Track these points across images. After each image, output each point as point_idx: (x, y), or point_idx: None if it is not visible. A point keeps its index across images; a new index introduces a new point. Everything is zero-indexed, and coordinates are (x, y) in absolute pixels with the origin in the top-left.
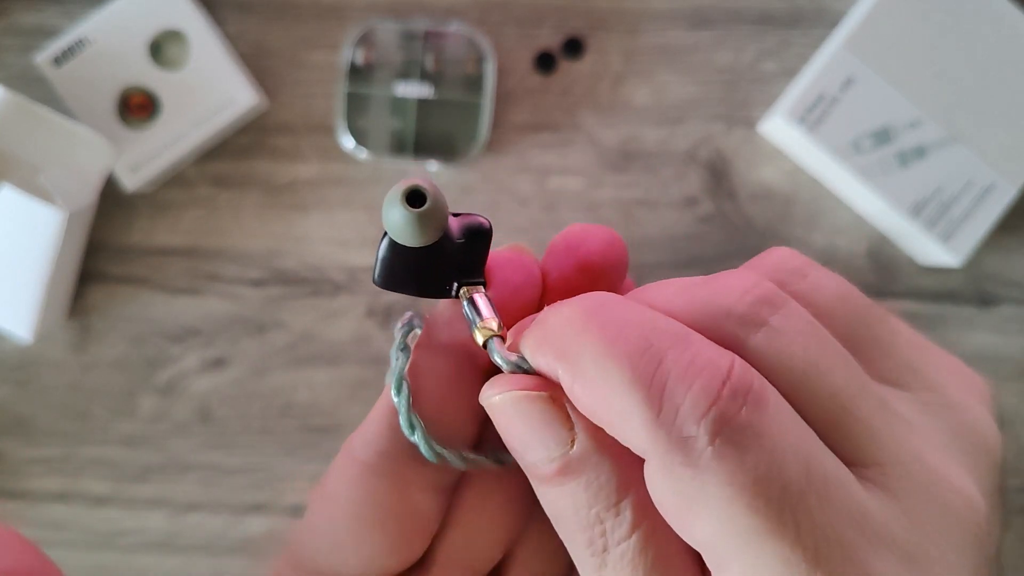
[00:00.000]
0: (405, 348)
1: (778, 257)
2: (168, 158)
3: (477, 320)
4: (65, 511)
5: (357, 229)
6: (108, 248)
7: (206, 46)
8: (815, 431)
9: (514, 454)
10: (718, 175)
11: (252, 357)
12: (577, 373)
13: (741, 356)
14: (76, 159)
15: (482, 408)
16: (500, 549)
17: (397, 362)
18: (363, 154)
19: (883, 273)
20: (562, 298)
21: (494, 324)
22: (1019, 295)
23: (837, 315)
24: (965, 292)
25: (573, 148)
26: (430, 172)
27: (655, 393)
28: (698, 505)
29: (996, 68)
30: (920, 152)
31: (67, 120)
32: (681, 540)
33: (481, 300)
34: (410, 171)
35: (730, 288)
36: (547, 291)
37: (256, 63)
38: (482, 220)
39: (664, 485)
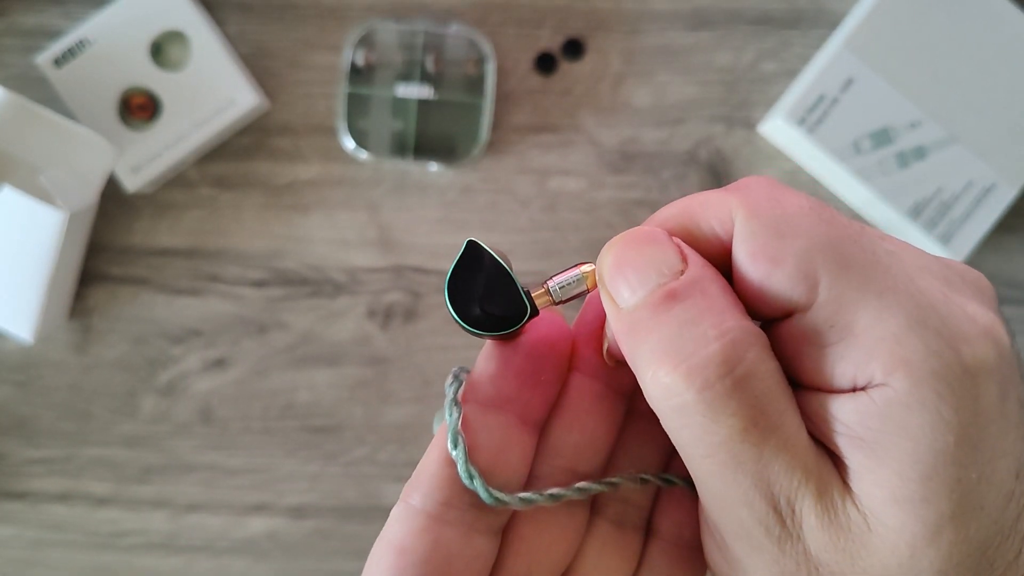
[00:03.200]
0: (457, 403)
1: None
2: (169, 159)
3: (572, 277)
4: (66, 512)
5: (358, 230)
6: (109, 249)
7: (207, 47)
8: None
9: (621, 300)
10: (718, 176)
11: (253, 358)
12: (681, 212)
13: None
14: (77, 160)
15: (531, 449)
16: (555, 571)
17: (451, 417)
18: (364, 155)
19: None
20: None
21: (581, 267)
22: (1019, 296)
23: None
24: None
25: (573, 149)
26: (430, 172)
27: (727, 189)
28: (784, 231)
29: (996, 68)
30: (920, 153)
31: (68, 121)
32: (783, 382)
33: (558, 277)
34: (411, 172)
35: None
36: (583, 341)
37: (257, 64)
38: (500, 253)
39: (752, 229)
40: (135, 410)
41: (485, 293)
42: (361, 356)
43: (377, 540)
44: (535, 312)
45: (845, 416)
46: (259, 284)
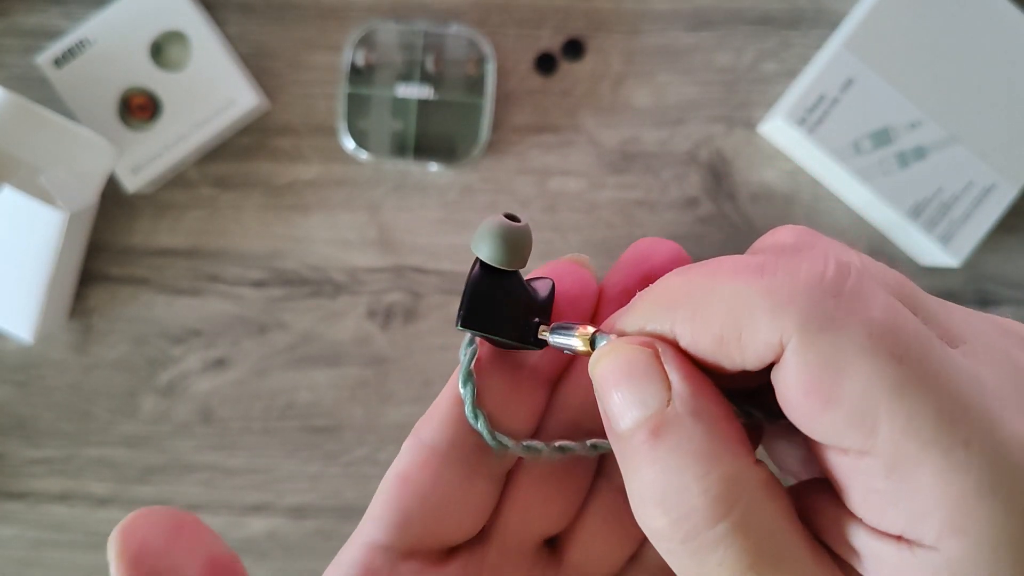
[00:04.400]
0: (472, 344)
1: (786, 232)
2: (169, 159)
3: (572, 332)
4: (66, 512)
5: (358, 230)
6: (109, 249)
7: (207, 47)
8: None
9: (610, 423)
10: (718, 176)
11: (253, 358)
12: (691, 312)
13: None
14: (77, 160)
15: (541, 404)
16: (553, 527)
17: (465, 356)
18: (364, 155)
19: None
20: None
21: (589, 328)
22: (1019, 296)
23: (879, 278)
24: (965, 293)
25: (573, 149)
26: (431, 172)
27: (771, 284)
28: (843, 366)
29: (996, 68)
30: (920, 153)
31: (68, 121)
32: (789, 524)
33: (562, 326)
34: (411, 172)
35: (771, 237)
36: (608, 301)
37: (257, 64)
38: (548, 279)
39: (805, 362)
40: (135, 410)
41: (500, 311)
42: (361, 356)
43: (388, 470)
44: (541, 347)
45: (881, 557)
46: (259, 284)
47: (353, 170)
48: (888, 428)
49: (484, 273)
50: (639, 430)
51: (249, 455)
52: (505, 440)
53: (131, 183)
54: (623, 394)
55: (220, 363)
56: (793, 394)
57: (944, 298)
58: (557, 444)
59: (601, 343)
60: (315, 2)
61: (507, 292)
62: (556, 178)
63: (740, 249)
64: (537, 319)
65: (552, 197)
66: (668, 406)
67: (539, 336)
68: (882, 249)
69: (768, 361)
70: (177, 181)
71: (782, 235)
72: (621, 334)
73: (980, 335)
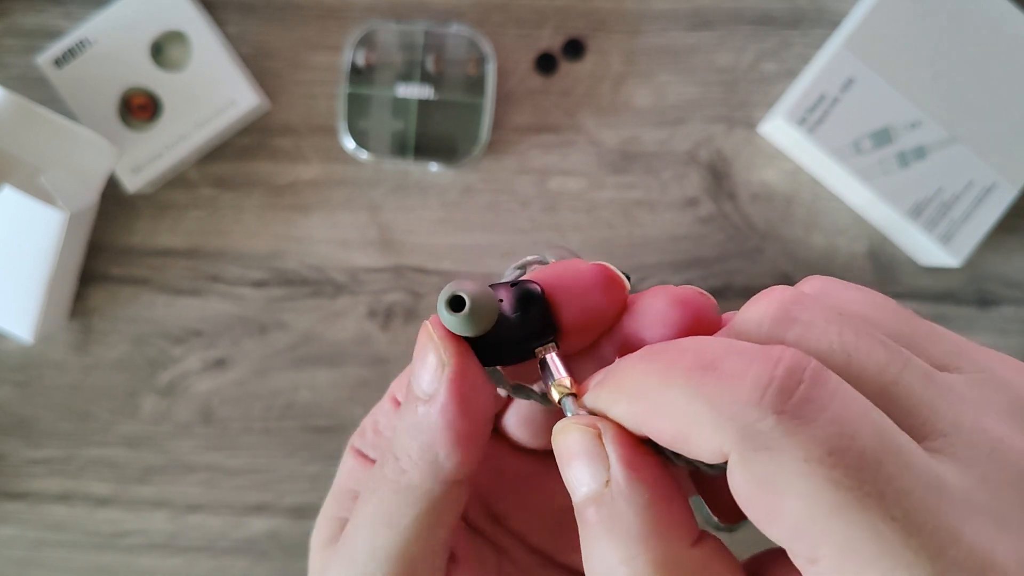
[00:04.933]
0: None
1: (806, 286)
2: (169, 159)
3: (552, 379)
4: (67, 512)
5: (358, 230)
6: (109, 249)
7: (207, 47)
8: None
9: (571, 494)
10: (718, 176)
11: (253, 358)
12: (650, 407)
13: None
14: (77, 160)
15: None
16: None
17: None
18: (364, 155)
19: (883, 273)
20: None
21: (567, 383)
22: (1019, 296)
23: (872, 317)
24: (965, 293)
25: (574, 149)
26: (431, 172)
27: (715, 393)
28: (780, 488)
29: (996, 68)
30: (920, 152)
31: (68, 121)
32: None
33: (552, 361)
34: (411, 172)
35: (757, 304)
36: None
37: (257, 64)
38: (531, 287)
39: (744, 478)
40: (135, 410)
41: (495, 351)
42: (362, 356)
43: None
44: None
45: None
46: (259, 284)
47: (353, 170)
48: (828, 548)
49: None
50: (588, 504)
51: (249, 455)
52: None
53: (131, 183)
54: (573, 469)
55: (220, 363)
56: (739, 499)
57: (944, 298)
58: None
59: (567, 409)
60: (315, 2)
61: (485, 338)
62: (556, 178)
63: (739, 249)
64: (535, 344)
65: (552, 197)
66: (607, 486)
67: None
68: (882, 249)
69: (721, 461)
70: (177, 181)
71: (774, 295)
72: (590, 408)
73: (975, 408)
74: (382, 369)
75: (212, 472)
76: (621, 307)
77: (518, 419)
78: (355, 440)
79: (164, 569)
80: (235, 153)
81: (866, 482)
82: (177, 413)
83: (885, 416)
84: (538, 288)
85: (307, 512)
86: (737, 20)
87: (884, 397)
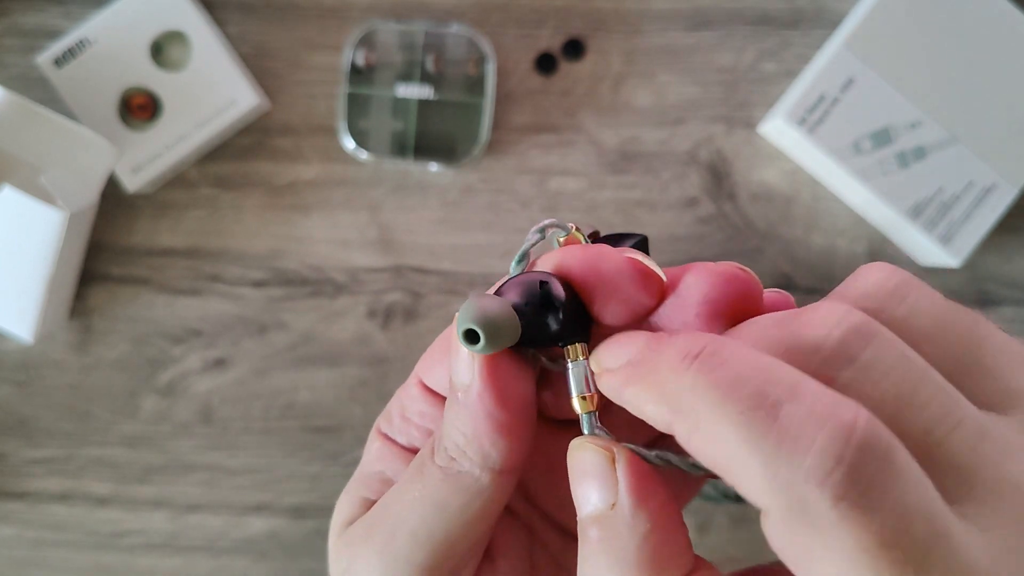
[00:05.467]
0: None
1: (875, 279)
2: (169, 159)
3: (578, 389)
4: (66, 512)
5: (358, 230)
6: (109, 249)
7: (207, 47)
8: None
9: (577, 509)
10: (718, 176)
11: (253, 358)
12: (694, 428)
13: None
14: (77, 160)
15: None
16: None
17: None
18: (364, 155)
19: None
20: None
21: (594, 395)
22: (1019, 296)
23: (936, 341)
24: (965, 293)
25: (574, 149)
26: (431, 172)
27: (774, 453)
28: (818, 559)
29: (996, 68)
30: (920, 153)
31: (68, 121)
32: None
33: (582, 370)
34: (411, 172)
35: (819, 322)
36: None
37: (257, 64)
38: (556, 290)
39: (783, 536)
40: (135, 410)
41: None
42: (361, 356)
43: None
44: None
45: None
46: (259, 284)
47: (353, 170)
48: None
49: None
50: (592, 523)
51: (249, 455)
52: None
53: (131, 183)
54: (583, 487)
55: (220, 363)
56: (770, 541)
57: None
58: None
59: (585, 424)
60: (315, 2)
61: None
62: (556, 178)
63: (739, 249)
64: (563, 343)
65: (552, 197)
66: (612, 509)
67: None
68: (882, 249)
69: (753, 503)
70: (177, 181)
71: (847, 316)
72: (608, 393)
73: (1018, 463)
74: (382, 369)
75: (212, 472)
76: (658, 304)
77: (551, 390)
78: (382, 424)
79: (164, 569)
80: (235, 153)
81: (909, 574)
82: (177, 413)
83: (938, 497)
84: (561, 295)
85: (307, 512)
86: (737, 20)
87: (927, 456)
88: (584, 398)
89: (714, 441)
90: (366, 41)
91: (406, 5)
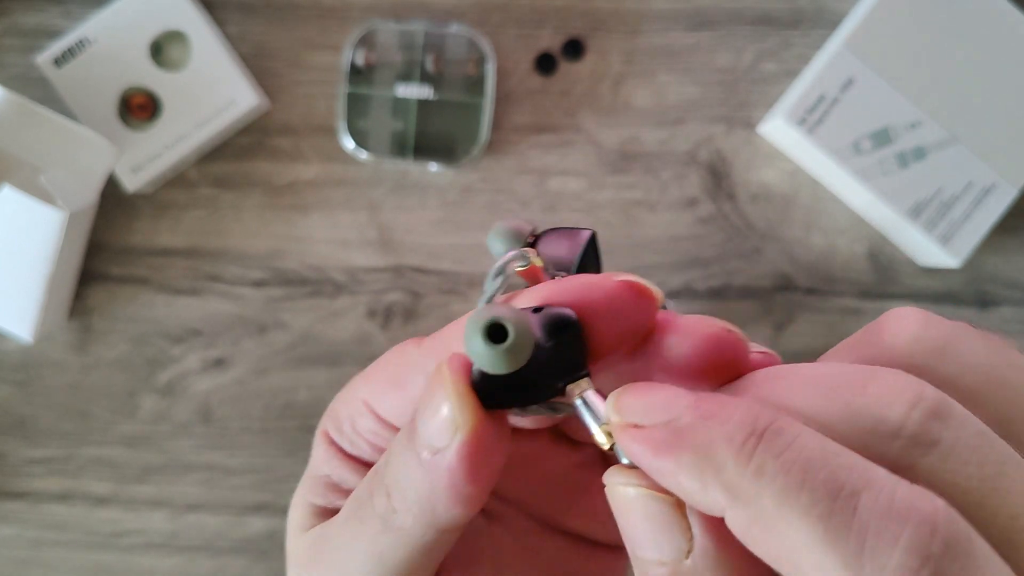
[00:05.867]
0: (502, 273)
1: (912, 332)
2: (169, 159)
3: (597, 421)
4: (66, 511)
5: (358, 230)
6: (109, 248)
7: (207, 47)
8: None
9: (625, 543)
10: (718, 176)
11: (253, 357)
12: (755, 516)
13: (912, 480)
14: (77, 160)
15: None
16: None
17: (492, 285)
18: (364, 155)
19: (883, 274)
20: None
21: (611, 431)
22: (1019, 296)
23: (990, 400)
24: (965, 293)
25: (573, 149)
26: (430, 172)
27: (855, 548)
28: None
29: (996, 68)
30: (920, 153)
31: (68, 121)
32: None
33: (595, 399)
34: (411, 172)
35: (891, 398)
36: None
37: (257, 64)
38: (566, 313)
39: None
40: (135, 410)
41: (516, 392)
42: (361, 356)
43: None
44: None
45: None
46: (259, 284)
47: (353, 170)
48: None
49: (481, 372)
50: (655, 568)
51: (249, 455)
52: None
53: (131, 183)
54: (640, 532)
55: (220, 363)
56: None
57: (945, 299)
58: (554, 406)
59: (622, 457)
60: (315, 2)
61: (514, 375)
62: (556, 178)
63: (739, 249)
64: (563, 381)
65: (552, 197)
66: (687, 558)
67: (565, 401)
68: (882, 250)
69: None
70: (177, 181)
71: (911, 386)
72: (631, 457)
73: None
74: None
75: (211, 472)
76: (652, 326)
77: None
78: (329, 427)
79: (163, 568)
80: (235, 153)
81: None
82: (176, 413)
83: None
84: (573, 315)
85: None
86: (737, 20)
87: (1012, 544)
88: (606, 431)
89: (782, 534)
90: (366, 41)
91: (406, 5)
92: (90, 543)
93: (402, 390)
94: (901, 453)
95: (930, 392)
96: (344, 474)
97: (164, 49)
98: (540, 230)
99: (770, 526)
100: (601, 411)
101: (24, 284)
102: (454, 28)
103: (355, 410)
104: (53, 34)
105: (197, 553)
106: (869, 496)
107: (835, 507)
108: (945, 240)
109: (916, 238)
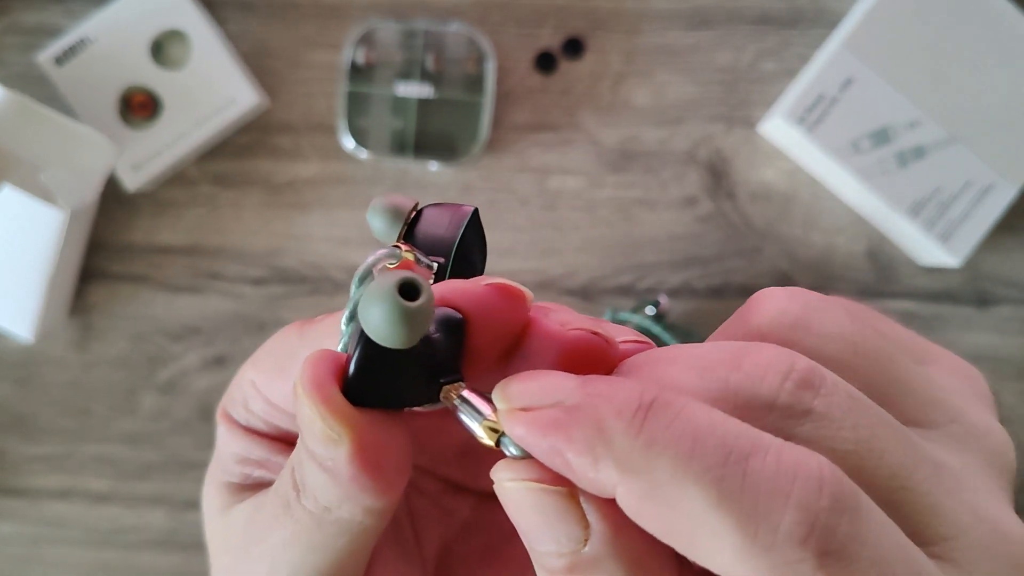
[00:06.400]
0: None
1: (774, 308)
2: (169, 157)
3: (478, 419)
4: (66, 508)
5: (357, 228)
6: (109, 247)
7: (207, 46)
8: None
9: (522, 538)
10: (718, 175)
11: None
12: (647, 490)
13: None
14: (77, 158)
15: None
16: None
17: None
18: (363, 154)
19: (882, 273)
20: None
21: (496, 420)
22: (1018, 295)
23: (852, 366)
24: (964, 292)
25: (573, 148)
26: (430, 171)
27: (748, 511)
28: None
29: (995, 68)
30: (919, 152)
31: (68, 119)
32: None
33: (472, 397)
34: (411, 170)
35: (764, 371)
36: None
37: (257, 63)
38: (451, 311)
39: None
40: (135, 407)
41: (396, 382)
42: None
43: None
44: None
45: None
46: (259, 282)
47: (353, 168)
48: None
49: (372, 347)
50: (553, 560)
51: None
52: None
53: (131, 181)
54: (535, 526)
55: (219, 360)
56: None
57: (944, 298)
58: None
59: (509, 448)
60: (315, 1)
61: (404, 359)
62: (556, 176)
63: (738, 248)
64: (442, 380)
65: (552, 195)
66: (584, 546)
67: (443, 399)
68: (881, 249)
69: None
70: (177, 179)
71: (779, 360)
72: (528, 449)
73: (969, 492)
74: None
75: None
76: (524, 328)
77: None
78: (228, 406)
79: (163, 565)
80: (235, 151)
81: None
82: (176, 410)
83: (910, 543)
84: (459, 315)
85: None
86: (737, 20)
87: (892, 502)
88: (490, 425)
89: (675, 504)
90: (366, 40)
91: (406, 4)
92: (90, 540)
93: (287, 377)
94: (777, 425)
95: (801, 363)
96: (248, 446)
97: (164, 48)
98: (421, 206)
99: (663, 498)
100: (481, 409)
101: (24, 282)
102: (454, 27)
103: (247, 392)
104: (54, 33)
105: (196, 550)
106: (757, 459)
107: (726, 472)
108: (944, 239)
109: (915, 237)
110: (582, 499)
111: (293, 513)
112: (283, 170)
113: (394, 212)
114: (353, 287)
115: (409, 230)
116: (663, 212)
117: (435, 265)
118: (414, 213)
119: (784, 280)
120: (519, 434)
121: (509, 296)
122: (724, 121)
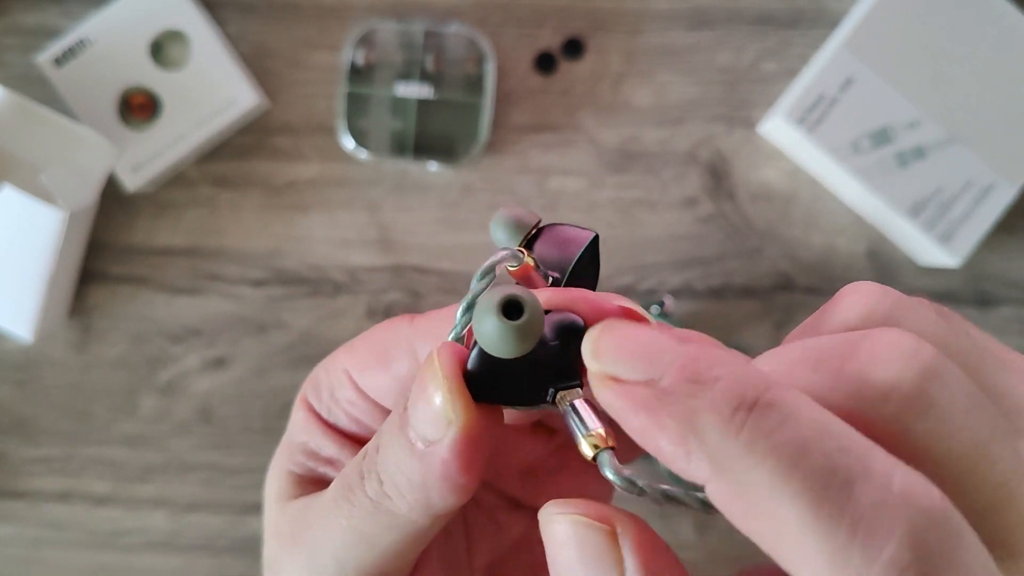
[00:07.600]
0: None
1: (865, 304)
2: (169, 158)
3: (582, 430)
4: (66, 511)
5: (358, 229)
6: (109, 248)
7: (207, 46)
8: (969, 518)
9: (552, 572)
10: (718, 175)
11: (253, 357)
12: (739, 494)
13: (905, 447)
14: (77, 159)
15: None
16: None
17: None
18: (363, 154)
19: (882, 273)
20: None
21: (602, 431)
22: (1019, 296)
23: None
24: (964, 293)
25: (573, 148)
26: (430, 172)
27: (845, 540)
28: None
29: (996, 68)
30: (919, 152)
31: (68, 120)
32: None
33: (583, 407)
34: (411, 171)
35: (885, 355)
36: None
37: (257, 63)
38: (574, 318)
39: None
40: (135, 409)
41: (509, 384)
42: None
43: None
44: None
45: None
46: (259, 283)
47: (353, 169)
48: None
49: (483, 355)
50: None
51: (248, 454)
52: None
53: (131, 182)
54: (571, 560)
55: (220, 362)
56: None
57: (944, 298)
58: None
59: (604, 470)
60: (315, 1)
61: (515, 362)
62: (556, 177)
63: (739, 248)
64: (560, 384)
65: (552, 196)
66: None
67: (557, 403)
68: (881, 249)
69: None
70: (177, 180)
71: (907, 357)
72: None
73: None
74: None
75: (211, 471)
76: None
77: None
78: (309, 393)
79: (163, 568)
80: (235, 152)
81: None
82: (176, 412)
83: (997, 571)
84: (581, 322)
85: None
86: (737, 20)
87: (991, 509)
88: (595, 435)
89: (768, 514)
90: (366, 40)
91: (406, 4)
92: (90, 543)
93: (386, 367)
94: (895, 418)
95: (927, 349)
96: (321, 441)
97: (164, 49)
98: (544, 223)
99: (756, 504)
100: (588, 421)
101: (24, 283)
102: (454, 27)
103: (336, 380)
104: (53, 34)
105: (197, 553)
106: (864, 483)
107: (828, 494)
108: (944, 239)
109: (915, 237)
110: (620, 540)
111: (352, 497)
112: (283, 171)
113: (517, 225)
114: (474, 281)
115: (527, 245)
116: (663, 213)
117: (552, 277)
118: (536, 229)
119: (785, 281)
120: (608, 401)
121: (637, 320)
122: (724, 121)
